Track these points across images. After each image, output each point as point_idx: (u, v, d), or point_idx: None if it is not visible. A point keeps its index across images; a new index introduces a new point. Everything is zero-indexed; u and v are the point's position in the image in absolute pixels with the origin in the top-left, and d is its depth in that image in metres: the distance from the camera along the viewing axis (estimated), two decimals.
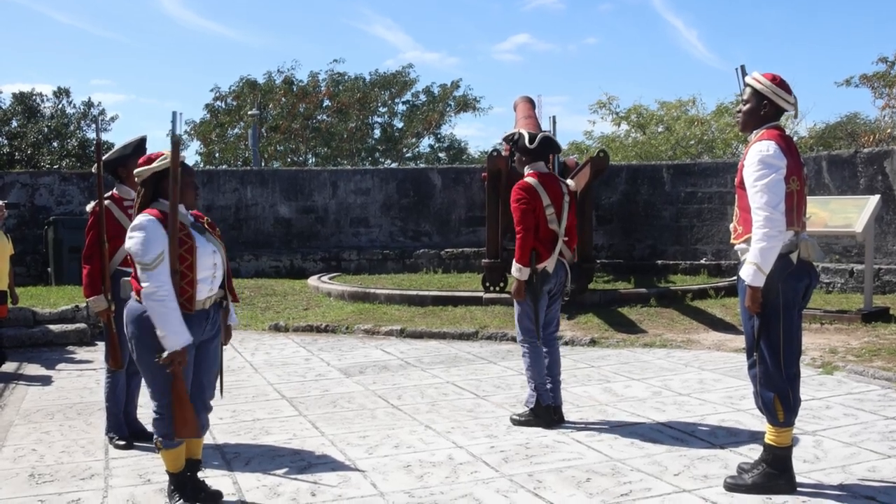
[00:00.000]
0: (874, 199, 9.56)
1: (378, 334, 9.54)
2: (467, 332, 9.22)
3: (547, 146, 5.65)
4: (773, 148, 3.99)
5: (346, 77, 34.68)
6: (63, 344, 9.31)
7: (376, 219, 15.35)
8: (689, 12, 62.42)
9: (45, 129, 31.37)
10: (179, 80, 65.32)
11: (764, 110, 4.14)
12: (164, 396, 4.02)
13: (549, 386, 5.52)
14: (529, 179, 5.53)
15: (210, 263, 4.08)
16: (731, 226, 4.29)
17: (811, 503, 3.99)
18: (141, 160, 4.16)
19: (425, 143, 36.93)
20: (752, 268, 3.97)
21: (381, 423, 5.74)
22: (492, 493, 4.26)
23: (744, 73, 4.30)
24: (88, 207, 5.31)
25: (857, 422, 5.39)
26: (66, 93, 33.74)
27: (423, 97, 35.61)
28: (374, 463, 4.81)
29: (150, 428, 5.40)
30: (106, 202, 5.24)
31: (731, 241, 4.28)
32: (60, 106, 33.61)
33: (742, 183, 4.10)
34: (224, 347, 4.38)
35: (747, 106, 4.20)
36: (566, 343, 8.65)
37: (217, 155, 33.59)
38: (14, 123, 31.97)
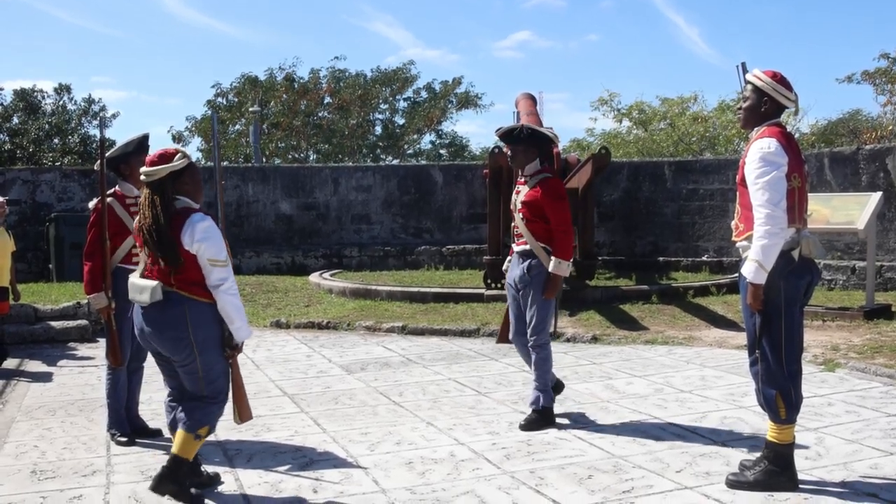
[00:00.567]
0: (876, 196, 9.55)
1: (379, 331, 9.54)
2: (469, 329, 9.22)
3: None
4: (774, 145, 3.98)
5: (348, 74, 34.64)
6: (64, 340, 9.32)
7: (378, 216, 15.35)
8: (690, 9, 62.27)
9: (47, 126, 31.35)
10: (180, 77, 65.25)
11: (764, 107, 4.14)
12: (225, 386, 4.18)
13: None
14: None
15: None
16: (733, 223, 4.28)
17: (813, 500, 3.99)
18: (152, 158, 4.09)
19: (426, 139, 36.92)
20: (754, 265, 3.96)
21: (382, 419, 5.74)
22: (494, 490, 4.26)
23: (744, 71, 4.30)
24: (91, 204, 5.31)
25: (859, 419, 5.38)
26: (68, 89, 33.74)
27: (424, 94, 35.58)
28: (376, 460, 4.81)
29: (152, 424, 5.47)
30: (108, 199, 5.23)
31: (733, 238, 4.28)
32: (61, 103, 33.60)
33: (743, 180, 4.09)
34: None
35: (748, 103, 4.19)
36: (567, 340, 8.65)
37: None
38: (15, 120, 31.95)
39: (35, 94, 33.16)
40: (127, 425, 5.34)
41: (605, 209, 14.14)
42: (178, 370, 4.14)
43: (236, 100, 33.85)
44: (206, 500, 4.19)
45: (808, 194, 4.28)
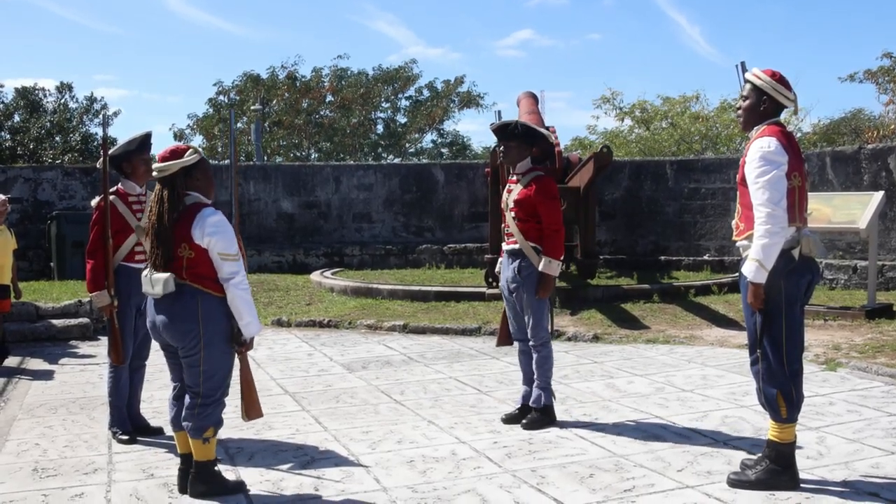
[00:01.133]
0: (878, 196, 9.54)
1: (381, 330, 9.54)
2: (470, 328, 9.22)
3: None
4: (774, 144, 3.98)
5: (350, 72, 34.64)
6: (66, 339, 9.32)
7: (379, 214, 15.34)
8: (692, 8, 62.32)
9: (48, 124, 31.35)
10: (182, 75, 65.30)
11: (764, 106, 4.14)
12: (226, 385, 4.19)
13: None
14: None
15: None
16: (733, 222, 4.28)
17: (814, 499, 3.99)
18: (164, 154, 4.13)
19: (428, 138, 36.92)
20: (755, 264, 3.96)
21: (383, 418, 5.74)
22: (495, 489, 4.26)
23: (744, 70, 4.30)
24: (93, 202, 5.32)
25: (860, 418, 5.38)
26: (69, 88, 33.71)
27: (426, 93, 35.57)
28: (377, 458, 4.82)
29: (153, 423, 5.48)
30: (111, 197, 5.24)
31: (733, 237, 4.28)
32: (63, 101, 33.58)
33: (744, 180, 4.09)
34: None
35: (747, 102, 4.19)
36: (569, 339, 8.65)
37: (220, 149, 33.58)
38: (17, 118, 31.94)
39: (37, 91, 33.15)
40: (128, 423, 5.34)
41: (607, 208, 14.14)
42: (181, 361, 4.16)
43: (238, 98, 33.85)
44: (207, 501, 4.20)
45: (809, 193, 4.28)
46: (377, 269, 14.00)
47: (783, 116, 4.33)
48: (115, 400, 5.33)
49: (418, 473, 4.53)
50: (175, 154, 4.11)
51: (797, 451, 4.25)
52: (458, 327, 9.28)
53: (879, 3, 53.74)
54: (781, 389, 4.08)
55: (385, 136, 35.89)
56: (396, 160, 33.43)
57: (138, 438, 5.27)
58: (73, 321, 9.54)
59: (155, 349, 4.69)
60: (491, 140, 42.25)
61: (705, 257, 13.39)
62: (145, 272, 4.17)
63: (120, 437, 5.27)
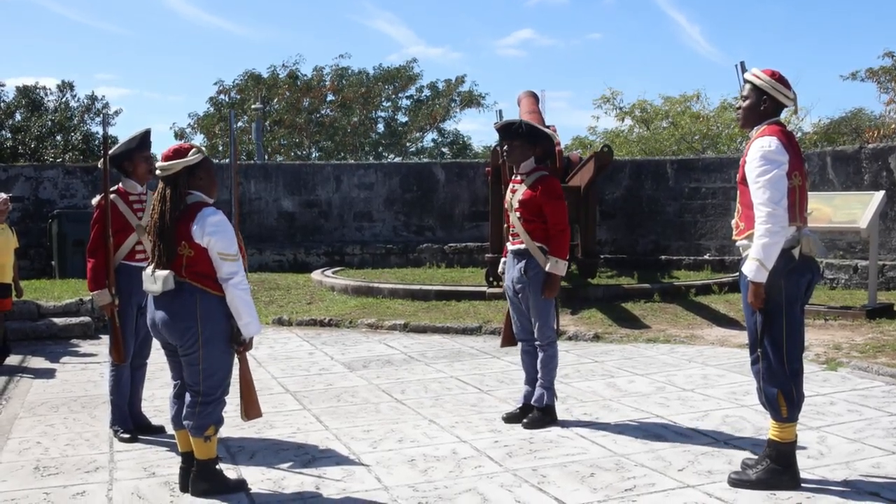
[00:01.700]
0: (879, 195, 9.54)
1: (381, 329, 9.55)
2: (471, 327, 9.22)
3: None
4: (774, 144, 3.98)
5: (350, 71, 34.65)
6: (67, 337, 9.33)
7: (380, 213, 15.35)
8: (692, 8, 62.14)
9: (49, 123, 31.34)
10: (183, 74, 65.20)
11: (764, 106, 4.14)
12: (226, 384, 4.20)
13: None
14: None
15: None
16: (733, 222, 4.29)
17: (815, 499, 3.99)
18: (167, 153, 4.13)
19: (429, 138, 36.92)
20: (755, 264, 3.96)
21: (384, 417, 5.75)
22: (496, 488, 4.27)
23: (743, 70, 4.30)
24: (94, 201, 5.32)
25: (861, 418, 5.38)
26: (70, 86, 33.72)
27: (427, 92, 35.57)
28: (379, 457, 4.82)
29: (154, 421, 5.48)
30: (111, 196, 5.24)
31: (733, 237, 4.28)
32: (64, 99, 33.59)
33: (744, 179, 4.10)
34: None
35: (747, 102, 4.19)
36: (570, 338, 8.66)
37: (221, 148, 33.60)
38: (18, 117, 31.95)
39: (38, 90, 33.16)
40: (130, 422, 5.35)
41: (608, 207, 14.14)
42: (181, 360, 4.17)
43: (239, 97, 33.86)
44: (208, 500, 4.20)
45: (810, 193, 4.28)
46: (378, 269, 14.01)
47: (783, 116, 4.33)
48: (117, 398, 5.34)
49: (419, 472, 4.54)
50: (178, 153, 4.12)
51: (798, 451, 4.25)
52: (459, 326, 9.28)
53: (880, 1, 53.71)
54: (782, 389, 4.08)
55: (386, 136, 35.90)
56: (397, 159, 33.43)
57: (139, 437, 5.27)
58: (74, 320, 9.55)
59: (156, 348, 4.69)
60: (491, 139, 42.16)
61: (706, 257, 13.39)
62: (147, 270, 4.18)
63: (121, 435, 5.27)
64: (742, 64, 4.34)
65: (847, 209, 9.56)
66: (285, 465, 4.70)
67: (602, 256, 12.72)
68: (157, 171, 4.14)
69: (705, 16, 61.83)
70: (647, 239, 14.06)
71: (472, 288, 10.80)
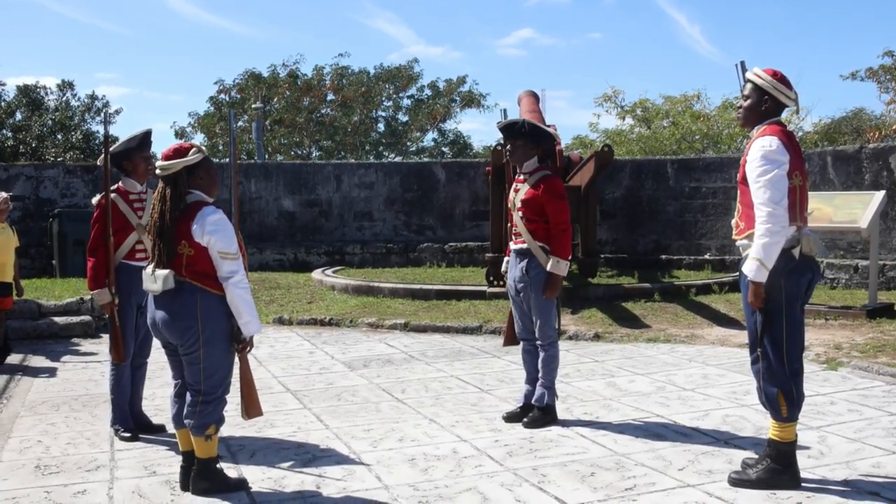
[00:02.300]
0: (879, 195, 9.54)
1: (382, 328, 9.55)
2: (471, 327, 9.23)
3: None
4: (775, 143, 3.98)
5: (351, 71, 34.65)
6: (68, 336, 9.34)
7: (380, 213, 15.35)
8: (692, 7, 62.11)
9: (50, 122, 31.36)
10: (184, 73, 65.21)
11: (765, 105, 4.14)
12: (227, 382, 4.20)
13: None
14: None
15: None
16: (733, 221, 4.29)
17: (815, 499, 4.00)
18: (167, 152, 4.14)
19: (429, 137, 36.92)
20: (755, 263, 3.96)
21: (385, 416, 5.75)
22: (496, 487, 4.27)
23: (743, 70, 4.30)
24: (94, 200, 5.33)
25: (861, 418, 5.39)
26: (71, 86, 33.71)
27: (427, 92, 35.57)
28: (379, 456, 4.82)
29: (155, 420, 5.48)
30: (111, 195, 5.25)
31: (734, 236, 4.28)
32: (65, 99, 33.59)
33: (744, 179, 4.10)
34: None
35: (748, 102, 4.19)
36: (570, 338, 8.66)
37: (221, 148, 33.61)
38: (18, 116, 31.95)
39: (38, 90, 33.15)
40: (130, 421, 5.35)
41: (608, 207, 14.14)
42: (181, 359, 4.17)
43: (239, 96, 33.86)
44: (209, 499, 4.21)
45: (811, 193, 4.28)
46: (378, 268, 14.01)
47: (784, 116, 4.32)
48: (117, 397, 5.34)
49: (419, 471, 4.54)
50: (179, 153, 4.12)
51: (798, 451, 4.25)
52: (460, 326, 9.28)
53: (880, 1, 53.68)
54: (782, 388, 4.08)
55: (386, 135, 35.90)
56: (397, 159, 33.43)
57: (140, 436, 5.28)
58: (74, 319, 9.56)
59: (156, 347, 4.69)
60: (492, 139, 42.14)
61: (706, 256, 13.39)
62: (147, 269, 4.19)
63: (122, 434, 5.27)
64: (742, 63, 4.35)
65: (847, 209, 9.56)
66: (286, 464, 4.71)
67: (602, 256, 12.72)
68: (157, 171, 4.14)
69: (705, 15, 61.84)
70: (648, 238, 14.06)
71: (472, 287, 10.80)
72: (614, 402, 6.01)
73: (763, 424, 4.99)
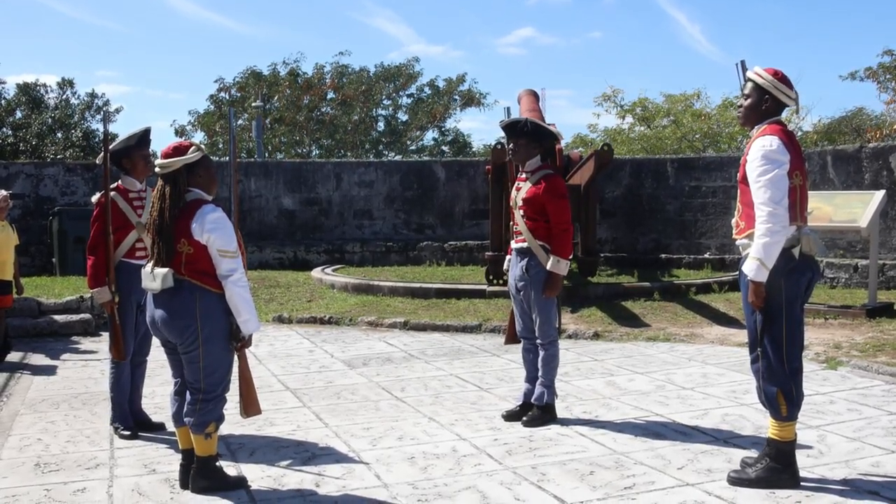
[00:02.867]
0: (879, 195, 9.54)
1: (381, 326, 9.55)
2: (471, 325, 9.23)
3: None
4: (776, 143, 3.98)
5: (351, 69, 34.65)
6: (68, 334, 9.34)
7: (380, 211, 15.35)
8: (692, 6, 62.12)
9: (50, 120, 31.37)
10: (184, 72, 65.19)
11: (765, 105, 4.14)
12: (227, 381, 4.21)
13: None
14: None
15: None
16: (734, 221, 4.29)
17: (814, 498, 4.00)
18: (167, 150, 4.14)
19: (429, 136, 36.92)
20: (755, 263, 3.97)
21: (384, 414, 5.75)
22: (495, 486, 4.27)
23: (744, 69, 4.30)
24: (94, 199, 5.33)
25: (860, 417, 5.39)
26: (71, 84, 33.72)
27: (427, 90, 35.55)
28: (378, 454, 4.83)
29: (154, 418, 5.49)
30: (111, 193, 5.25)
31: (734, 236, 4.28)
32: (65, 97, 33.60)
33: (744, 178, 4.10)
34: None
35: (748, 101, 4.19)
36: (569, 336, 8.66)
37: (221, 146, 33.61)
38: (18, 114, 31.97)
39: (38, 88, 33.16)
40: (130, 419, 5.35)
41: (608, 206, 14.14)
42: (181, 357, 4.17)
43: (239, 94, 33.85)
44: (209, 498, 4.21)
45: (811, 192, 4.28)
46: (378, 266, 14.01)
47: (784, 115, 4.33)
48: (117, 396, 5.34)
49: (419, 470, 4.54)
50: (178, 151, 4.12)
51: (797, 450, 4.25)
52: (459, 324, 9.29)
53: (880, 1, 53.66)
54: (782, 388, 4.08)
55: (386, 134, 35.90)
56: (397, 157, 33.42)
57: (140, 434, 5.28)
58: (74, 317, 9.56)
59: (156, 345, 4.70)
60: (492, 137, 42.07)
61: (706, 255, 13.39)
62: (146, 267, 4.19)
63: (121, 432, 5.28)
64: (742, 63, 4.34)
65: (847, 208, 9.56)
66: (285, 463, 4.71)
67: (602, 255, 12.72)
68: (157, 169, 4.14)
69: (706, 14, 61.84)
70: (648, 237, 14.06)
71: (472, 286, 10.80)
72: (614, 400, 6.02)
73: (762, 423, 4.99)
